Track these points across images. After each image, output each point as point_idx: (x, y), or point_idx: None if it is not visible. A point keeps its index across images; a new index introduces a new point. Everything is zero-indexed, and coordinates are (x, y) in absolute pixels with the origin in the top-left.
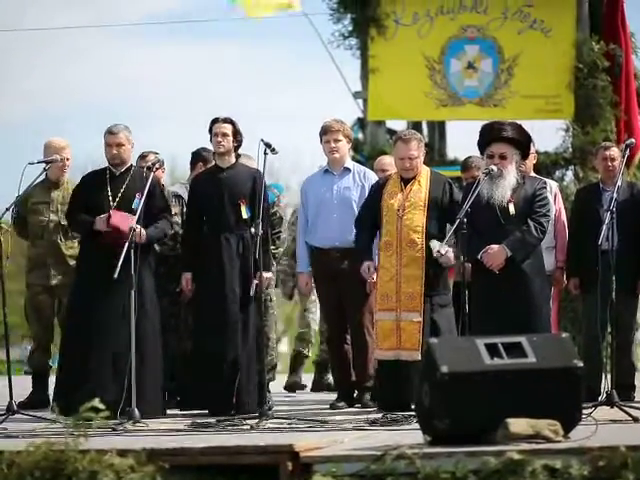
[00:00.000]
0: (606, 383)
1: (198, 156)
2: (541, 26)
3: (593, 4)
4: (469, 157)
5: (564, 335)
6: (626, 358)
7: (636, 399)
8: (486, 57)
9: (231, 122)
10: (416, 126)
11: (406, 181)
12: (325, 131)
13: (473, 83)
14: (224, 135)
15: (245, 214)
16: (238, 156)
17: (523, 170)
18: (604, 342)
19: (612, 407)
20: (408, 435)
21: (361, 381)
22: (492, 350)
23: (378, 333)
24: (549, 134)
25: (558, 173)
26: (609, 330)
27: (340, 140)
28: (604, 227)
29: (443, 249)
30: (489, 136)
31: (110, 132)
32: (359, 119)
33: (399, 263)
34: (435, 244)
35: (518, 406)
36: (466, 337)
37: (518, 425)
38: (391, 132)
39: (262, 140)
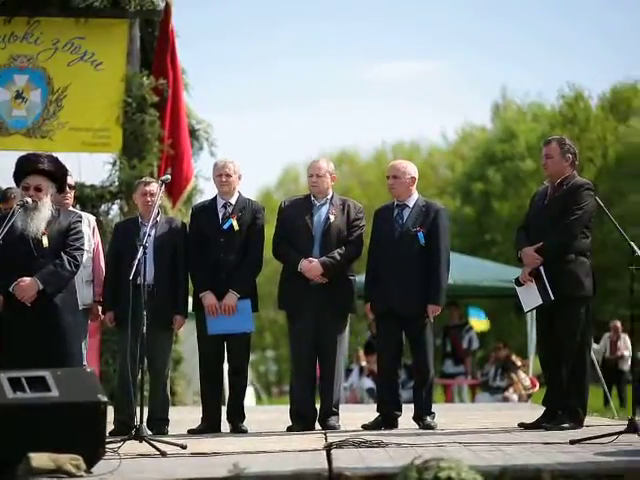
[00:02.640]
0: (135, 417)
1: None
2: (92, 59)
3: (145, 40)
4: (9, 188)
5: (89, 369)
6: (160, 392)
7: (170, 432)
8: (35, 87)
9: None
10: None
11: None
12: None
13: (21, 113)
14: None
15: None
16: None
17: (67, 202)
18: (138, 376)
19: (141, 441)
20: None
21: None
22: (15, 384)
23: None
24: (97, 167)
25: (104, 207)
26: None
27: None
28: (136, 262)
29: None
30: (25, 168)
31: None
32: None
33: None
34: None
35: (42, 440)
36: None
37: (40, 459)
38: None
39: None
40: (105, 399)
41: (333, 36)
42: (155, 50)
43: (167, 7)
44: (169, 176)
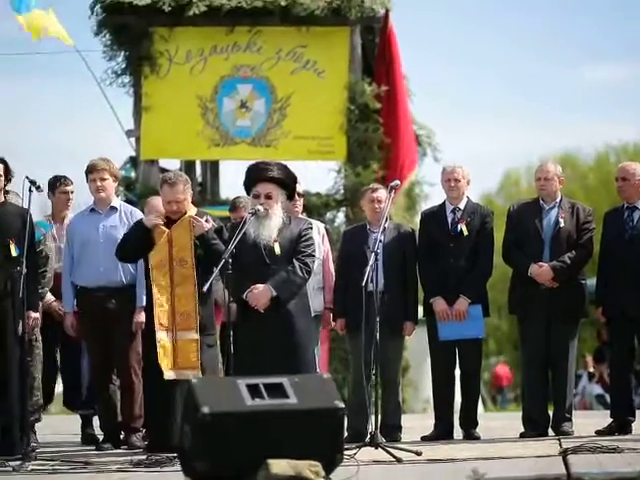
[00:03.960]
0: (370, 424)
1: None
2: (314, 67)
3: (366, 47)
4: (237, 197)
5: (325, 376)
6: (392, 399)
7: (402, 439)
8: (259, 97)
9: (3, 161)
10: (189, 165)
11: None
12: (91, 170)
13: (245, 123)
14: None
15: (14, 252)
16: (7, 193)
17: (297, 210)
18: (370, 383)
19: (376, 448)
20: (170, 477)
21: (128, 422)
22: (253, 391)
23: (160, 353)
24: (321, 175)
25: (329, 215)
26: (374, 371)
27: (106, 179)
28: (368, 268)
29: None
30: (255, 176)
31: None
32: (132, 157)
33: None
34: None
35: (279, 447)
36: (228, 377)
37: (279, 466)
38: (164, 171)
39: (27, 177)
40: (342, 405)
41: (550, 36)
42: (376, 57)
43: (387, 13)
44: (398, 182)
